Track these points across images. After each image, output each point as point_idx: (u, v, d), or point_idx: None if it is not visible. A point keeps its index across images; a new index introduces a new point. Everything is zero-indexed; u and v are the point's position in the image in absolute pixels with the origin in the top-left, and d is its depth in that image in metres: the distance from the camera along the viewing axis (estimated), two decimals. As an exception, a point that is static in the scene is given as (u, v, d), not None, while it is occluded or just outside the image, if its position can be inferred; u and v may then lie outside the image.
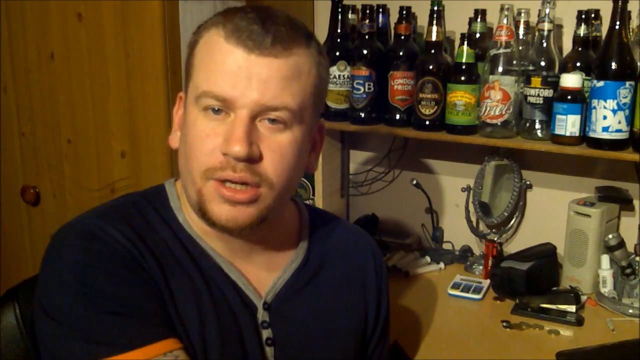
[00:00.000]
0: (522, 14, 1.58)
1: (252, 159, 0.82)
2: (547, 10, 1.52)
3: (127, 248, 0.84)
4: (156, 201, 0.93)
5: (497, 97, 1.53)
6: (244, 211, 0.84)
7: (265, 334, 0.91)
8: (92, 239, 0.83)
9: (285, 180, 0.86)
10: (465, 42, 1.57)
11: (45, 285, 0.83)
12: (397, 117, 1.69)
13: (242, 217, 0.85)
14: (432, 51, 1.62)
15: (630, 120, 1.43)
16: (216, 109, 0.83)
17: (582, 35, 1.53)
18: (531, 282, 1.55)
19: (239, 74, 0.81)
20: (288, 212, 1.00)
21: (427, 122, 1.63)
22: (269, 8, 0.87)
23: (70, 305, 0.80)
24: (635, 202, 1.66)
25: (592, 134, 1.45)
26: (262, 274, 0.94)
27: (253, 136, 0.82)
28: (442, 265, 1.78)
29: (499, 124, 1.55)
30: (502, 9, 1.52)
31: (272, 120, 0.83)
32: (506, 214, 1.78)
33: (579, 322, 1.44)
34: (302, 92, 0.85)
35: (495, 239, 1.75)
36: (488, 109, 1.55)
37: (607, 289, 1.55)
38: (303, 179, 1.88)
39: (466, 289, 1.61)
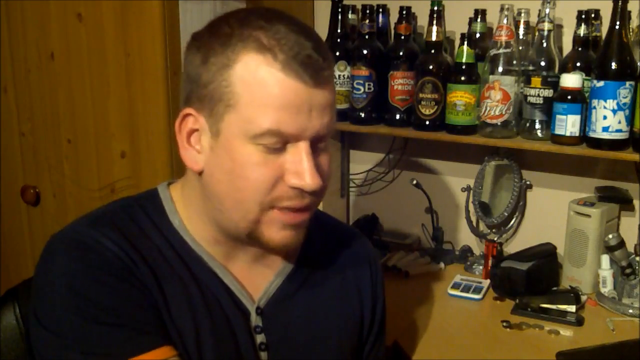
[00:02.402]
0: (522, 14, 1.58)
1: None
2: (547, 10, 1.52)
3: (119, 256, 0.83)
4: (149, 206, 0.91)
5: (497, 97, 1.53)
6: (300, 232, 0.88)
7: (259, 338, 0.91)
8: (84, 248, 0.82)
9: None
10: (465, 42, 1.57)
11: (38, 295, 0.83)
12: (397, 117, 1.69)
13: (298, 238, 0.88)
14: (432, 51, 1.62)
15: (630, 120, 1.43)
16: (278, 146, 0.81)
17: (582, 35, 1.53)
18: (531, 282, 1.55)
19: (302, 107, 0.80)
20: None
21: (427, 122, 1.63)
22: (298, 21, 0.83)
23: (63, 315, 0.79)
24: (635, 202, 1.67)
25: (592, 134, 1.45)
26: (256, 279, 0.94)
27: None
28: (442, 265, 1.78)
29: (499, 124, 1.55)
30: (502, 9, 1.52)
31: (320, 144, 0.85)
32: (506, 214, 1.78)
33: (579, 322, 1.45)
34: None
35: (495, 239, 1.75)
36: (488, 109, 1.55)
37: (607, 289, 1.55)
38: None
39: (466, 289, 1.61)
